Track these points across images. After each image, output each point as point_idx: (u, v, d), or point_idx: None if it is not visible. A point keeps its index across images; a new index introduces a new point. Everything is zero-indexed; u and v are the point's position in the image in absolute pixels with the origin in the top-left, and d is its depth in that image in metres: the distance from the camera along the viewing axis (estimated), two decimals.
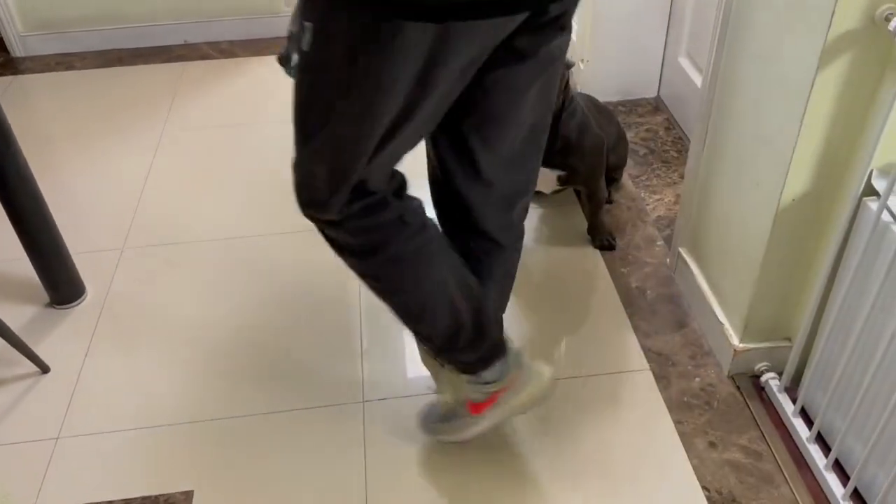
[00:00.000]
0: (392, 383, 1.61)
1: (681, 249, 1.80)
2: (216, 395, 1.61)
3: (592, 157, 1.78)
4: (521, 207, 1.30)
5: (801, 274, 1.46)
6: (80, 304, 1.83)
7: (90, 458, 1.49)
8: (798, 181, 1.33)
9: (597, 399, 1.57)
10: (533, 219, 2.05)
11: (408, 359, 1.67)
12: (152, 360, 1.69)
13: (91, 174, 2.28)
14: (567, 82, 1.67)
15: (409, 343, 1.70)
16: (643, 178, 2.18)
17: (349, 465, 1.46)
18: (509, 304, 1.77)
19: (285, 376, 1.64)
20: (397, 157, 1.12)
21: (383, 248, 1.14)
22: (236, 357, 1.68)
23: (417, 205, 1.20)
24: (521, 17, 1.00)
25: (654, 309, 1.77)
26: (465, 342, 1.27)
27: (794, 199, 1.35)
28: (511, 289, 1.44)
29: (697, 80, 2.25)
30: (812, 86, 1.21)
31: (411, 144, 1.12)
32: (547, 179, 1.80)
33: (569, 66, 1.64)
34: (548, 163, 1.74)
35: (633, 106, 2.50)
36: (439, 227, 1.26)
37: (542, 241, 1.98)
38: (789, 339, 1.55)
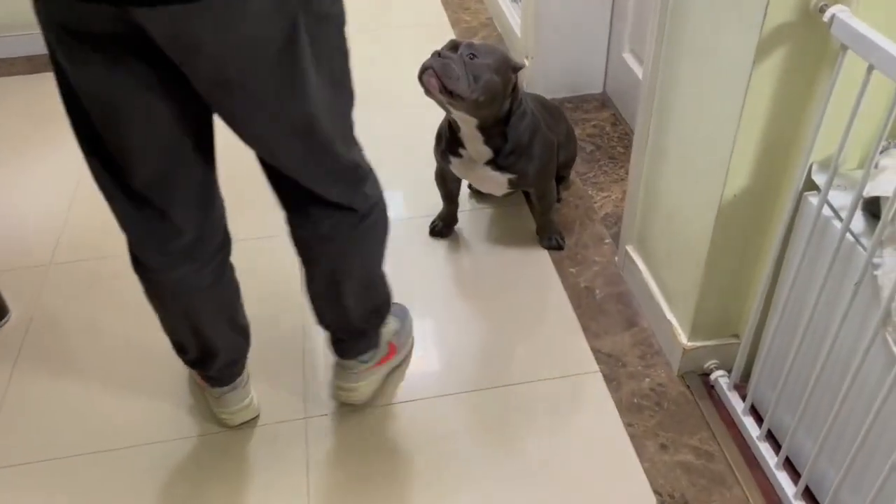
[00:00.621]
0: (334, 399, 1.55)
1: (628, 247, 1.77)
2: (153, 417, 1.53)
3: (543, 159, 1.74)
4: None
5: (746, 270, 1.44)
6: (2, 325, 1.73)
7: (18, 491, 1.40)
8: (739, 177, 1.31)
9: (546, 404, 1.53)
10: (483, 220, 2.01)
11: None
12: (83, 383, 1.60)
13: (16, 186, 2.17)
14: (515, 85, 1.62)
15: None
16: (590, 175, 2.16)
17: (292, 486, 1.40)
18: (459, 308, 1.74)
19: None
20: (143, 196, 1.14)
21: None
22: (172, 376, 1.60)
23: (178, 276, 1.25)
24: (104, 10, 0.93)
25: (604, 309, 1.75)
26: (189, 359, 1.44)
27: (735, 196, 1.33)
28: (355, 290, 1.38)
29: (642, 75, 2.23)
30: (749, 80, 1.19)
31: (140, 164, 1.10)
32: (498, 183, 1.75)
33: (516, 68, 1.60)
34: (499, 167, 1.70)
35: (579, 102, 2.48)
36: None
37: (491, 242, 1.94)
38: (737, 336, 1.54)
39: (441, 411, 1.53)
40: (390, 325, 1.57)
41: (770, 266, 1.32)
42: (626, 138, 2.30)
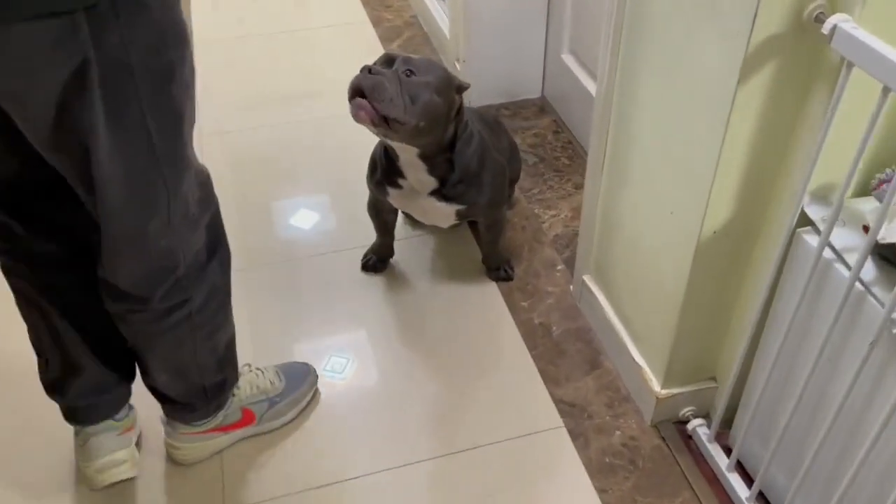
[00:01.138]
0: (258, 483, 1.32)
1: (585, 277, 1.59)
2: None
3: (495, 186, 1.53)
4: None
5: (725, 309, 1.27)
6: None
7: None
8: (720, 211, 1.13)
9: (509, 472, 1.34)
10: (421, 250, 1.79)
11: (276, 452, 1.37)
12: None
13: None
14: (460, 107, 1.41)
15: (277, 434, 1.40)
16: (535, 191, 1.97)
17: None
18: (401, 357, 1.52)
19: None
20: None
21: None
22: (62, 453, 1.33)
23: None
24: None
25: (562, 349, 1.56)
26: (49, 378, 1.23)
27: (715, 232, 1.15)
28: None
29: (583, 78, 2.05)
30: (733, 101, 1.01)
31: None
32: (444, 215, 1.53)
33: (461, 88, 1.38)
34: (445, 197, 1.47)
35: (517, 108, 2.29)
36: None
37: (432, 276, 1.72)
38: (714, 380, 1.38)
39: (390, 490, 1.31)
40: (245, 392, 1.34)
41: (758, 309, 1.15)
42: (570, 147, 2.12)
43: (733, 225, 1.15)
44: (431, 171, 1.42)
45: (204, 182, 1.07)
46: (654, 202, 1.28)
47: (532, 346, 1.56)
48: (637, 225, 1.36)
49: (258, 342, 1.56)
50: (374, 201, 1.61)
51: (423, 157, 1.39)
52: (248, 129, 2.17)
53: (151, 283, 1.05)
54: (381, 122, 1.26)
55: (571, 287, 1.68)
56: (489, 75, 2.25)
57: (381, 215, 1.64)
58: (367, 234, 1.72)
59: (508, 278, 1.71)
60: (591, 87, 2.02)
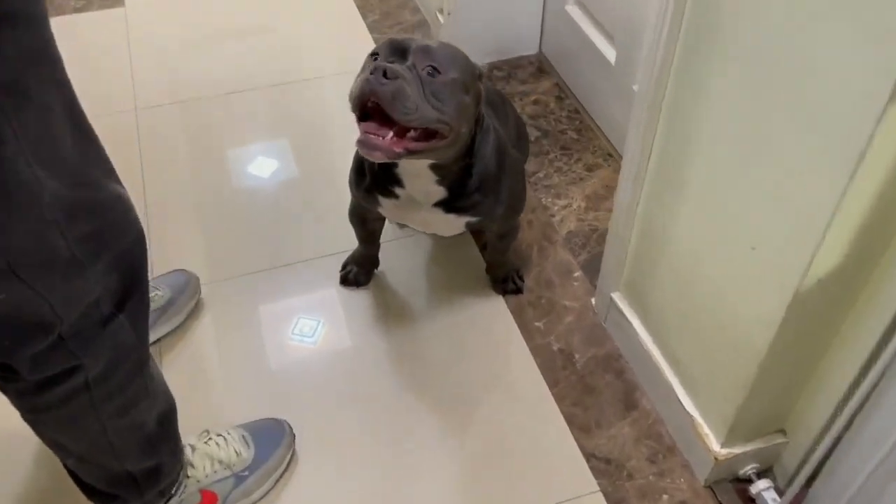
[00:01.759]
0: None
1: (613, 296, 1.32)
2: None
3: (514, 191, 1.22)
4: None
5: (811, 360, 1.02)
6: None
7: None
8: (832, 256, 0.85)
9: None
10: (411, 256, 1.49)
11: None
12: None
13: None
14: (481, 96, 1.09)
15: None
16: (540, 175, 1.67)
17: None
18: (393, 401, 1.22)
19: None
20: None
21: None
22: None
23: None
24: None
25: (589, 384, 1.30)
26: None
27: (820, 280, 0.88)
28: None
29: (592, 33, 1.73)
30: (880, 119, 0.72)
31: None
32: (451, 226, 1.22)
33: (481, 75, 1.06)
34: (455, 209, 1.16)
35: (511, 68, 1.96)
36: None
37: (426, 289, 1.43)
38: (783, 433, 1.13)
39: None
40: (203, 470, 1.07)
41: (876, 369, 0.89)
42: (576, 117, 1.82)
43: (844, 272, 0.88)
44: (442, 180, 1.10)
45: (98, 209, 0.77)
46: (723, 229, 1.00)
47: (552, 381, 1.30)
48: (695, 251, 1.07)
49: (217, 391, 1.27)
50: (359, 207, 1.29)
51: (437, 166, 1.07)
52: (195, 101, 1.81)
53: (11, 347, 0.77)
54: (400, 156, 0.94)
55: (594, 301, 1.41)
56: (478, 29, 1.91)
57: (367, 224, 1.33)
58: (348, 239, 1.41)
59: (518, 291, 1.43)
60: (602, 44, 1.70)
